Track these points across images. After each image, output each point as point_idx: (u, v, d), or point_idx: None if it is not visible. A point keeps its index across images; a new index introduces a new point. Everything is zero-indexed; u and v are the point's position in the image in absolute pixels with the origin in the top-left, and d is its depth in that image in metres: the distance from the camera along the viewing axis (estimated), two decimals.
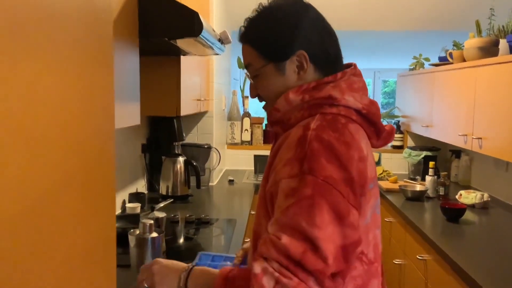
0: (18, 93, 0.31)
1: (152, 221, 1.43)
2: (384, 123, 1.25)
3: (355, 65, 1.09)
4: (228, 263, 1.33)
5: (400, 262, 2.64)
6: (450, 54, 2.94)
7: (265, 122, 4.05)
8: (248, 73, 1.12)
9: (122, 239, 1.57)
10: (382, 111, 4.67)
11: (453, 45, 3.18)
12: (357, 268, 0.99)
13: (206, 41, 1.72)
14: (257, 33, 1.07)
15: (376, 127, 1.06)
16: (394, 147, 3.90)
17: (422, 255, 2.26)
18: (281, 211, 0.93)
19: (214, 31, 1.90)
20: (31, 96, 0.33)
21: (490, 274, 1.74)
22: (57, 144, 0.36)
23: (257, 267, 0.90)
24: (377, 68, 8.24)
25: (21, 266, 0.35)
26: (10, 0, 0.31)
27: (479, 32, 2.83)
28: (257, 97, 1.13)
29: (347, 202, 0.90)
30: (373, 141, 1.08)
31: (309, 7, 1.08)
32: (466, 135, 2.52)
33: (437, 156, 3.48)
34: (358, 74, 1.08)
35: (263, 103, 1.14)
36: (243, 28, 1.10)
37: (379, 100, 8.48)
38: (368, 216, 1.00)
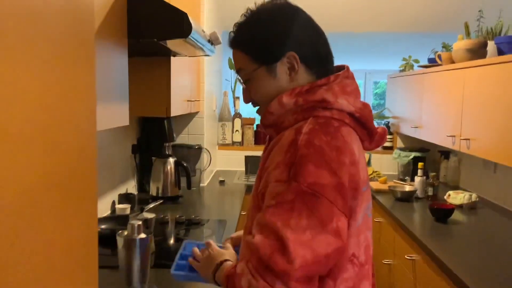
0: None
1: (140, 222, 1.42)
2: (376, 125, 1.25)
3: (347, 68, 1.09)
4: None
5: (389, 262, 2.65)
6: (439, 56, 2.97)
7: (257, 123, 4.07)
8: (240, 78, 1.12)
9: (111, 240, 1.57)
10: (373, 112, 4.69)
11: (442, 47, 3.21)
12: (349, 271, 1.00)
13: (195, 42, 1.72)
14: (246, 37, 1.08)
15: (369, 130, 1.07)
16: (384, 148, 3.93)
17: (411, 255, 2.27)
18: (262, 211, 0.95)
19: (204, 32, 1.91)
20: (7, 95, 0.34)
21: (477, 274, 1.76)
22: (35, 144, 0.37)
23: (239, 267, 0.94)
24: (368, 70, 8.29)
25: (2, 264, 0.35)
26: None
27: (467, 34, 2.85)
28: (251, 103, 1.13)
29: (333, 208, 0.91)
30: (365, 144, 1.09)
31: (297, 9, 1.09)
32: (454, 136, 2.55)
33: (426, 157, 3.51)
34: (350, 76, 1.08)
35: (254, 104, 1.15)
36: (232, 33, 1.10)
37: (370, 101, 8.51)
38: (359, 218, 1.00)
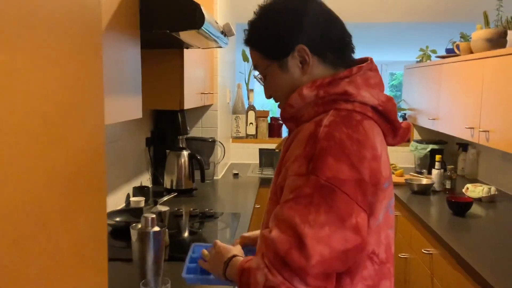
0: None
1: (154, 215, 1.42)
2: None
3: (371, 60, 1.07)
4: None
5: (405, 256, 2.62)
6: (457, 46, 2.90)
7: (271, 115, 4.04)
8: (258, 75, 1.13)
9: (125, 233, 1.57)
10: None
11: (460, 37, 3.13)
12: (368, 268, 0.97)
13: (209, 33, 1.70)
14: (256, 35, 1.08)
15: (393, 124, 1.03)
16: None
17: (428, 249, 2.23)
18: (280, 205, 0.93)
19: (217, 23, 1.88)
20: (11, 88, 0.32)
21: (496, 268, 1.72)
22: (39, 137, 0.35)
23: (254, 262, 0.93)
24: (384, 61, 8.18)
25: (6, 262, 0.34)
26: None
27: (487, 23, 2.78)
28: (272, 98, 1.13)
29: (353, 203, 0.89)
30: (389, 139, 1.06)
31: (306, 0, 1.06)
32: (473, 128, 2.49)
33: (444, 149, 3.44)
34: (374, 69, 1.05)
35: (274, 100, 1.14)
36: (246, 32, 1.11)
37: (388, 93, 8.42)
38: (380, 216, 0.97)
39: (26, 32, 0.34)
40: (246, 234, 1.27)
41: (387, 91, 8.56)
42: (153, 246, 1.38)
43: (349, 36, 1.08)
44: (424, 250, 2.26)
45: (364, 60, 1.07)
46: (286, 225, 0.89)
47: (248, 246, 1.25)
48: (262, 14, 1.07)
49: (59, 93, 0.39)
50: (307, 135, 0.94)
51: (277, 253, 0.88)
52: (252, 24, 1.09)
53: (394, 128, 1.04)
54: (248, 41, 1.10)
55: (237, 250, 1.14)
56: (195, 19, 1.52)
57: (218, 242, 1.17)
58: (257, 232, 1.20)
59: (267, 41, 1.06)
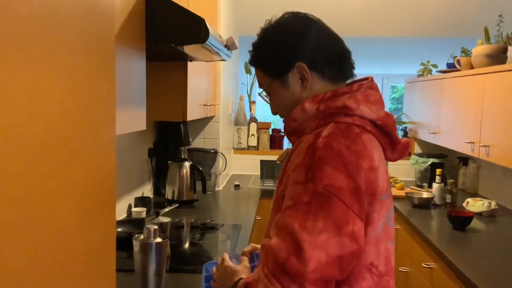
0: (16, 102, 0.32)
1: (156, 227, 1.43)
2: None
3: (371, 79, 1.11)
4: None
5: (406, 270, 2.62)
6: (458, 61, 2.93)
7: (272, 127, 4.06)
8: (263, 93, 1.18)
9: (127, 244, 1.58)
10: None
11: (461, 52, 3.16)
12: (367, 280, 0.99)
13: (212, 47, 1.73)
14: (258, 55, 1.15)
15: (391, 139, 1.06)
16: None
17: (428, 263, 2.24)
18: (280, 213, 0.96)
19: (220, 37, 1.91)
20: (29, 105, 0.34)
21: (495, 283, 1.72)
22: (56, 153, 0.37)
23: (255, 274, 0.95)
24: (386, 74, 8.23)
25: (20, 273, 0.35)
26: (9, 10, 0.32)
27: (487, 39, 2.81)
28: (278, 114, 1.18)
29: (349, 211, 0.91)
30: (388, 154, 1.08)
31: (304, 19, 1.11)
32: (473, 142, 2.51)
33: (444, 163, 3.46)
34: (374, 87, 1.09)
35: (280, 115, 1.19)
36: (250, 53, 1.17)
37: (388, 105, 8.46)
38: (379, 227, 0.99)
39: (45, 51, 0.37)
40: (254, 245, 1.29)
41: (388, 104, 8.57)
42: (155, 257, 1.40)
43: (348, 52, 1.11)
44: (424, 264, 2.26)
45: (365, 79, 1.10)
46: (286, 232, 0.91)
47: (257, 251, 1.26)
48: (263, 35, 1.13)
49: (75, 110, 0.41)
50: (307, 146, 0.97)
51: (276, 260, 0.90)
52: (255, 45, 1.15)
53: (393, 142, 1.07)
54: (252, 62, 1.16)
55: (243, 270, 1.14)
56: (200, 33, 1.55)
57: (226, 257, 1.18)
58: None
59: (268, 60, 1.12)
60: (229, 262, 1.16)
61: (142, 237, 1.42)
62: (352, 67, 1.13)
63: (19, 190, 0.34)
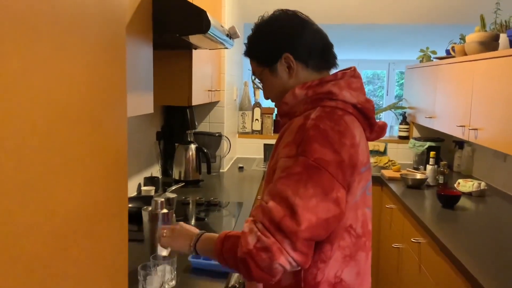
0: (37, 88, 0.45)
1: (163, 199, 1.60)
2: (392, 115, 1.34)
3: (354, 68, 1.27)
4: None
5: (398, 246, 2.77)
6: (453, 48, 3.04)
7: (275, 112, 4.20)
8: (255, 80, 1.35)
9: (137, 218, 1.75)
10: (390, 103, 4.76)
11: (460, 39, 3.26)
12: (345, 239, 1.16)
13: (215, 37, 1.87)
14: (251, 47, 1.31)
15: (370, 121, 1.24)
16: (400, 137, 4.02)
17: (417, 238, 2.39)
18: (274, 182, 1.11)
19: (222, 27, 2.05)
20: (45, 94, 0.45)
21: (476, 256, 1.87)
22: (72, 130, 0.50)
23: (246, 227, 1.09)
24: (392, 60, 8.28)
25: (52, 268, 0.50)
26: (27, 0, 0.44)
27: (483, 26, 2.91)
28: (269, 99, 1.35)
29: (334, 180, 1.07)
30: (366, 134, 1.25)
31: (291, 16, 1.26)
32: (464, 126, 2.63)
33: (441, 146, 3.58)
34: (357, 76, 1.26)
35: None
36: (245, 46, 1.33)
37: (394, 91, 8.52)
38: (357, 195, 1.16)
39: (64, 42, 0.50)
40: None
41: (394, 89, 8.56)
42: (162, 226, 1.56)
43: (330, 45, 1.27)
44: (413, 239, 2.41)
45: (349, 68, 1.26)
46: (280, 197, 1.06)
47: None
48: (256, 30, 1.29)
49: (91, 106, 0.55)
50: (297, 126, 1.13)
51: (272, 219, 1.04)
52: (249, 38, 1.31)
53: (371, 124, 1.24)
54: (246, 53, 1.33)
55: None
56: (202, 24, 1.69)
57: (183, 223, 1.37)
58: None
59: (260, 51, 1.28)
60: (188, 225, 1.36)
61: (150, 208, 1.59)
62: (334, 57, 1.29)
63: (41, 170, 0.47)
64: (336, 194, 1.07)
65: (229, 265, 1.12)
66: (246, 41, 1.32)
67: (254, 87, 1.40)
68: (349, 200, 1.13)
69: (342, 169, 1.08)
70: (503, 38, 2.65)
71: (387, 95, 8.34)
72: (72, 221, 0.51)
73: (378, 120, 1.28)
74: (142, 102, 1.57)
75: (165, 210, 1.58)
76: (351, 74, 1.23)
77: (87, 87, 0.55)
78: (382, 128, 1.27)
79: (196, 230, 1.32)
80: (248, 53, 1.32)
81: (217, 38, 1.93)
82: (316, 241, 1.10)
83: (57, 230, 0.48)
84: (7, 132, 0.40)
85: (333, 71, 1.28)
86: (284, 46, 1.23)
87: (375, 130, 1.26)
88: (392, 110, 4.20)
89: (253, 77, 1.35)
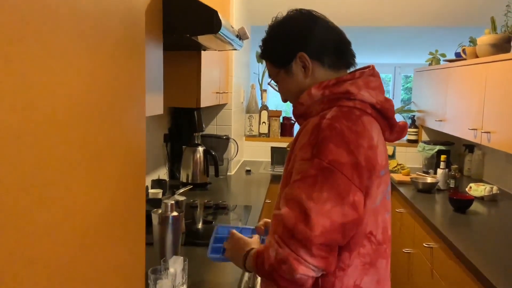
0: (61, 83, 0.43)
1: (173, 202, 1.57)
2: (401, 119, 1.34)
3: (373, 67, 1.22)
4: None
5: (409, 251, 2.73)
6: (464, 51, 3.00)
7: (283, 115, 4.18)
8: (273, 82, 1.32)
9: (146, 220, 1.72)
10: (398, 106, 4.73)
11: (470, 41, 3.23)
12: (366, 247, 1.11)
13: (225, 37, 1.84)
14: (265, 49, 1.28)
15: (389, 121, 1.19)
16: (409, 141, 3.97)
17: (429, 243, 2.35)
18: (289, 186, 1.08)
19: (232, 27, 2.03)
20: (64, 88, 0.44)
21: (491, 261, 1.83)
22: (93, 125, 0.49)
23: (266, 241, 1.07)
24: (398, 63, 8.24)
25: (78, 258, 0.48)
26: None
27: (494, 28, 2.88)
28: (287, 101, 1.31)
29: (350, 184, 1.03)
30: (386, 134, 1.20)
31: (306, 15, 1.23)
32: (476, 129, 2.59)
33: (451, 150, 3.54)
34: (375, 74, 1.21)
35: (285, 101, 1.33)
36: (260, 48, 1.30)
37: (400, 95, 8.48)
38: (377, 200, 1.11)
39: (84, 36, 0.48)
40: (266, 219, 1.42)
41: (400, 93, 8.52)
42: (172, 228, 1.54)
43: (347, 43, 1.23)
44: (425, 244, 2.37)
45: (367, 67, 1.22)
46: (294, 202, 1.03)
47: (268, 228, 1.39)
48: (270, 31, 1.27)
49: (110, 104, 0.53)
50: (313, 126, 1.08)
51: (285, 227, 1.01)
52: (263, 40, 1.28)
53: (391, 125, 1.19)
54: (262, 55, 1.30)
55: (254, 242, 1.26)
56: (213, 24, 1.67)
57: (235, 232, 1.31)
58: None
59: (274, 52, 1.25)
60: (240, 235, 1.29)
61: (160, 211, 1.56)
62: (352, 56, 1.24)
63: (60, 167, 0.45)
64: (353, 197, 1.02)
65: (270, 280, 1.09)
66: (260, 44, 1.29)
67: (275, 90, 1.35)
68: (368, 205, 1.08)
69: (358, 171, 1.04)
70: None
71: (392, 99, 8.29)
72: (92, 220, 0.48)
73: (399, 121, 1.24)
74: (152, 103, 1.55)
75: (175, 213, 1.55)
76: (370, 73, 1.19)
77: (107, 83, 0.53)
78: (403, 128, 1.23)
79: (246, 246, 1.23)
80: (263, 55, 1.29)
81: (227, 39, 1.91)
82: (336, 245, 1.06)
83: (77, 230, 0.45)
84: (26, 127, 0.37)
85: (351, 70, 1.24)
86: (298, 45, 1.19)
87: (395, 130, 1.21)
88: (401, 113, 4.16)
89: (269, 80, 1.32)
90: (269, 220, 1.42)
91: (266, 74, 4.25)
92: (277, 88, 1.31)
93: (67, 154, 0.44)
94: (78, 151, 0.46)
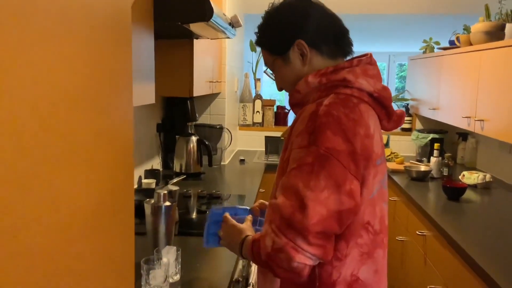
0: (46, 74, 0.42)
1: (166, 191, 1.56)
2: (395, 108, 1.34)
3: (370, 55, 1.21)
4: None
5: (402, 239, 2.75)
6: (458, 38, 2.99)
7: (277, 104, 4.16)
8: (269, 70, 1.29)
9: (138, 211, 1.71)
10: (392, 95, 4.71)
11: (464, 29, 3.21)
12: (363, 237, 1.10)
13: (217, 25, 1.82)
14: (261, 36, 1.25)
15: (387, 110, 1.17)
16: (403, 129, 3.98)
17: (422, 231, 2.36)
18: (286, 174, 1.06)
19: (225, 15, 2.00)
20: (45, 74, 0.41)
21: (484, 248, 1.84)
22: (79, 116, 0.47)
23: (263, 229, 1.06)
24: (392, 52, 8.21)
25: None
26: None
27: (488, 16, 2.86)
28: (283, 90, 1.29)
29: (347, 172, 1.01)
30: (384, 123, 1.19)
31: (303, 1, 1.20)
32: (469, 117, 2.59)
33: (444, 138, 3.55)
34: (373, 63, 1.19)
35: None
36: (256, 35, 1.27)
37: (394, 83, 8.47)
38: (374, 189, 1.10)
39: (65, 19, 0.46)
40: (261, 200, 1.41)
41: (394, 81, 8.50)
42: (165, 218, 1.53)
43: (345, 30, 1.21)
44: (418, 232, 2.38)
45: (365, 55, 1.20)
46: (291, 190, 1.02)
47: (264, 210, 1.37)
48: (266, 18, 1.24)
49: (98, 80, 0.51)
50: (310, 113, 1.07)
51: (282, 216, 1.00)
52: (259, 27, 1.25)
53: (389, 113, 1.18)
54: (257, 42, 1.27)
55: (248, 228, 1.24)
56: (204, 11, 1.64)
57: (228, 218, 1.28)
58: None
59: (271, 39, 1.23)
60: (233, 221, 1.27)
61: (153, 201, 1.55)
62: (350, 44, 1.23)
63: (48, 152, 0.44)
64: (350, 186, 1.02)
65: (265, 269, 1.09)
66: (256, 31, 1.26)
67: (270, 77, 1.32)
68: (365, 194, 1.07)
69: (354, 160, 1.03)
70: (509, 27, 2.60)
71: None
72: (77, 213, 0.47)
73: (397, 109, 1.22)
74: (143, 92, 1.53)
75: (168, 203, 1.54)
76: (367, 61, 1.18)
77: (91, 70, 0.51)
78: (400, 117, 1.22)
79: (241, 234, 1.21)
80: (259, 42, 1.26)
81: (219, 27, 1.88)
82: (332, 233, 1.05)
83: (61, 223, 0.43)
84: (5, 114, 0.36)
85: (348, 58, 1.23)
86: (296, 32, 1.17)
87: (393, 119, 1.20)
88: (395, 102, 4.16)
89: (265, 68, 1.30)
90: (265, 202, 1.40)
91: (260, 63, 4.23)
92: (272, 77, 1.29)
93: (49, 143, 0.42)
94: (62, 139, 0.44)
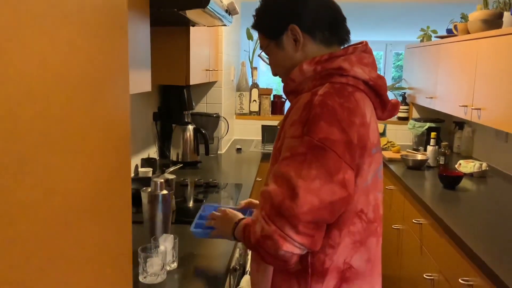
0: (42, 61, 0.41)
1: (162, 180, 1.55)
2: (392, 97, 1.33)
3: (366, 43, 1.20)
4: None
5: (398, 227, 2.76)
6: (455, 27, 2.98)
7: (273, 93, 4.14)
8: (261, 53, 1.29)
9: (135, 199, 1.70)
10: (389, 84, 4.71)
11: (461, 18, 3.20)
12: (356, 225, 1.10)
13: (213, 12, 1.80)
14: (257, 19, 1.25)
15: (382, 99, 1.17)
16: (400, 118, 3.98)
17: (418, 219, 2.37)
18: (278, 163, 1.06)
19: (221, 2, 1.98)
20: (39, 55, 0.40)
21: (479, 236, 1.85)
22: (74, 102, 0.47)
23: (254, 216, 1.07)
24: (389, 41, 8.19)
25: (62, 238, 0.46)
26: None
27: (485, 4, 2.85)
28: (277, 75, 1.29)
29: (341, 161, 1.01)
30: (378, 112, 1.19)
31: None
32: (466, 106, 2.59)
33: (441, 127, 3.55)
34: (368, 51, 1.18)
35: (275, 77, 1.30)
36: (253, 18, 1.27)
37: (391, 72, 8.45)
38: (369, 178, 1.10)
39: (63, 11, 0.46)
40: (255, 200, 1.43)
41: (391, 71, 8.48)
42: (162, 207, 1.52)
43: (342, 18, 1.20)
44: (414, 220, 2.39)
45: (360, 43, 1.19)
46: (282, 179, 1.02)
47: (251, 208, 1.41)
48: (264, 1, 1.24)
49: (92, 81, 0.50)
50: (304, 103, 1.06)
51: (272, 204, 1.01)
52: (256, 10, 1.25)
53: (383, 102, 1.18)
54: (254, 25, 1.27)
55: (241, 214, 1.29)
56: None
57: (227, 209, 1.32)
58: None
59: (265, 23, 1.23)
60: (229, 209, 1.30)
61: (150, 189, 1.55)
62: (346, 32, 1.22)
63: (45, 139, 0.43)
64: (343, 175, 1.01)
65: (255, 252, 1.11)
66: (254, 13, 1.26)
67: (264, 62, 1.32)
68: (359, 183, 1.07)
69: (350, 149, 1.02)
70: (507, 16, 2.59)
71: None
72: (74, 199, 0.46)
73: (392, 99, 1.22)
74: (139, 80, 1.51)
75: (164, 191, 1.54)
76: (363, 49, 1.17)
77: (87, 56, 0.50)
78: (395, 106, 1.21)
79: (237, 216, 1.25)
80: (255, 25, 1.26)
81: (216, 14, 1.87)
82: (323, 223, 1.05)
83: (57, 211, 0.43)
84: None
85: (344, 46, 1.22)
86: (290, 16, 1.16)
87: (387, 108, 1.19)
88: (392, 91, 4.15)
89: (258, 51, 1.30)
90: (255, 201, 1.42)
91: (257, 51, 4.21)
92: (267, 61, 1.28)
93: (44, 130, 0.41)
94: (57, 126, 0.43)
